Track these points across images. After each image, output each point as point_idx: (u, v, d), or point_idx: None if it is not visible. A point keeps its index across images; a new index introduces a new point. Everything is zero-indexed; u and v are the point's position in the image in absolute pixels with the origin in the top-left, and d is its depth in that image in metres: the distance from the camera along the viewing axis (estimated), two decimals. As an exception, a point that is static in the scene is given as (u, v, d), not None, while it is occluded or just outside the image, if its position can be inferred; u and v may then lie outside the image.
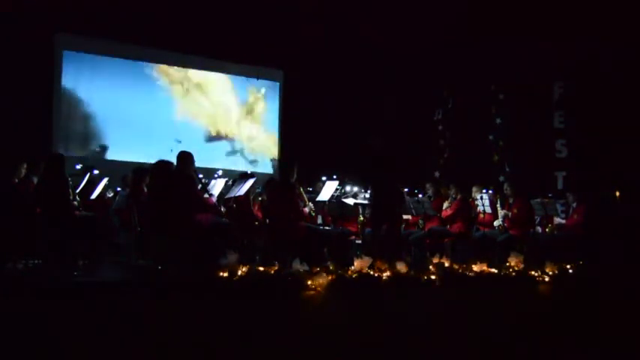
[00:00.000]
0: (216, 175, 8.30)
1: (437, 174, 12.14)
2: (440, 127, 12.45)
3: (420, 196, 8.50)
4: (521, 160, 11.28)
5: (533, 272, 6.90)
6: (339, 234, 7.33)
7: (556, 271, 6.96)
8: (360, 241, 7.84)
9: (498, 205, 8.05)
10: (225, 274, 5.46)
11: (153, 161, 6.49)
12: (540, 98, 11.39)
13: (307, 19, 10.51)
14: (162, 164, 6.45)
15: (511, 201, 8.00)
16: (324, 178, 7.67)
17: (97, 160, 7.03)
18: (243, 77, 12.57)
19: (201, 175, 7.37)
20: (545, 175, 11.17)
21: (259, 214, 7.34)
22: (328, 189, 7.17)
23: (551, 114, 11.39)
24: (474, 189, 8.38)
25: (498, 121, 11.78)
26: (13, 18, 9.20)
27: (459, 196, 8.02)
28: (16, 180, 6.67)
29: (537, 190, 9.35)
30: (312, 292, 5.35)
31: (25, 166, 6.75)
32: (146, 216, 6.38)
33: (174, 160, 6.34)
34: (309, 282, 5.45)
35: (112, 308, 4.45)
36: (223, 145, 12.50)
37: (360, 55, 11.11)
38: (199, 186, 6.51)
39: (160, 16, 10.05)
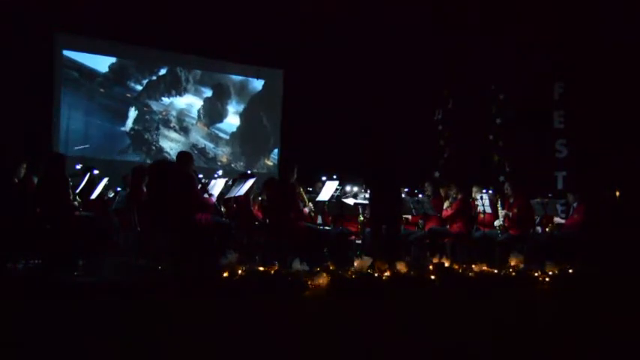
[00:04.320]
0: (216, 175, 8.31)
1: (437, 174, 12.13)
2: (440, 127, 12.44)
3: (420, 196, 8.49)
4: (521, 160, 11.27)
5: (533, 272, 6.90)
6: (339, 234, 7.33)
7: (556, 271, 6.96)
8: (360, 241, 7.83)
9: (499, 205, 8.04)
10: (225, 274, 5.46)
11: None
12: (540, 98, 11.39)
13: (307, 19, 10.50)
14: (162, 164, 6.46)
15: (511, 201, 7.99)
16: (324, 178, 7.66)
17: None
18: (243, 77, 12.57)
19: (201, 175, 7.38)
20: (545, 175, 11.16)
21: (259, 214, 7.34)
22: (328, 189, 7.16)
23: (551, 114, 11.38)
24: (474, 189, 8.37)
25: (498, 121, 11.77)
26: (13, 18, 9.19)
27: (459, 196, 8.01)
28: (16, 180, 6.67)
29: (537, 190, 9.34)
30: (312, 292, 5.35)
31: (25, 166, 6.75)
32: (146, 216, 6.38)
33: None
34: (309, 282, 5.45)
35: (112, 308, 4.45)
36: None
37: (360, 55, 11.09)
38: (199, 186, 6.51)
39: (160, 16, 10.05)
